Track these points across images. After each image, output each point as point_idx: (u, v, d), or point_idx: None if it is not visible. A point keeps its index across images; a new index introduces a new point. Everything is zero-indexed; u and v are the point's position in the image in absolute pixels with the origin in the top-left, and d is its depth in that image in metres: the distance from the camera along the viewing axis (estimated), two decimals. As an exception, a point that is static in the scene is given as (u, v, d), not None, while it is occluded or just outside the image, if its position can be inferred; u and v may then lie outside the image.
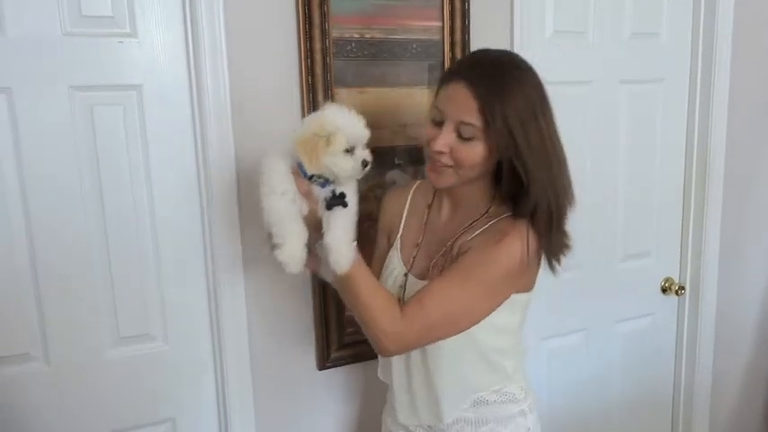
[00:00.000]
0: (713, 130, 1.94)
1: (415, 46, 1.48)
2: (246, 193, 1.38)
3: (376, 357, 1.54)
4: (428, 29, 1.49)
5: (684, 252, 2.05)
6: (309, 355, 1.52)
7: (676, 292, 2.03)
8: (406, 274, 1.18)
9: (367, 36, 1.43)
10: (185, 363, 1.43)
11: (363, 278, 1.04)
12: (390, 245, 1.26)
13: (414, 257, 1.19)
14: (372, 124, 1.45)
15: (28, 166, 1.24)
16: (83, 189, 1.29)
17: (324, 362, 1.51)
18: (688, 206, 2.02)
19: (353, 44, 1.42)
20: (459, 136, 1.05)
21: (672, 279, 2.05)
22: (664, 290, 2.04)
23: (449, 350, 1.12)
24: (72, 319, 1.31)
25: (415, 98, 1.50)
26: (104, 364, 1.35)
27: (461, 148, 1.05)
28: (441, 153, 1.06)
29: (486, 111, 1.01)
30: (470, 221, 1.14)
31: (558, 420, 1.93)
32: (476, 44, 1.52)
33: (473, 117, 1.02)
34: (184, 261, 1.40)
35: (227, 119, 1.34)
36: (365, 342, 1.51)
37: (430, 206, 1.23)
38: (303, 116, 1.40)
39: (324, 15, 1.36)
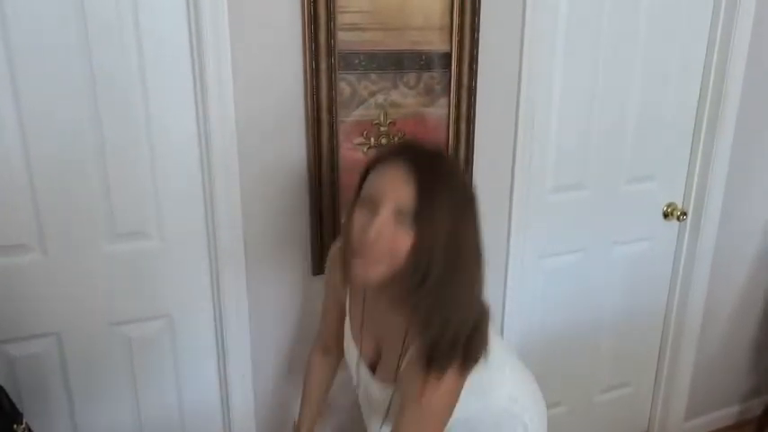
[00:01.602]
0: (733, 51, 1.84)
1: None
2: (241, 89, 1.34)
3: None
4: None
5: (690, 178, 2.01)
6: (304, 261, 1.53)
7: (678, 218, 2.01)
8: (360, 356, 1.17)
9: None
10: (181, 262, 1.44)
11: None
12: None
13: (360, 342, 1.16)
14: (375, 25, 1.41)
15: (17, 52, 1.19)
16: (75, 76, 1.24)
17: (318, 268, 1.52)
18: (698, 132, 1.96)
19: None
20: (398, 222, 0.93)
21: (675, 204, 2.02)
22: (665, 215, 2.03)
23: None
24: (67, 210, 1.31)
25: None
26: (101, 258, 1.36)
27: (396, 236, 0.93)
28: (375, 241, 0.93)
29: (422, 196, 0.92)
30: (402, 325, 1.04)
31: (550, 334, 1.97)
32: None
33: (410, 202, 0.92)
34: (180, 159, 1.38)
35: (224, 14, 1.28)
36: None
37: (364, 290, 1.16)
38: (303, 12, 1.34)
39: None
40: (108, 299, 1.40)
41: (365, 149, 1.48)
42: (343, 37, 1.39)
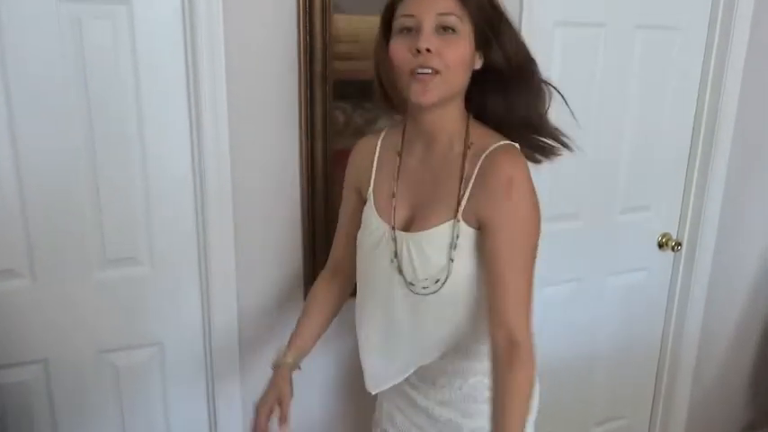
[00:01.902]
0: (726, 86, 1.87)
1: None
2: (236, 117, 1.35)
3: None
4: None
5: (685, 209, 2.02)
6: (297, 287, 1.51)
7: (672, 249, 2.01)
8: (393, 228, 1.08)
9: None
10: (172, 289, 1.43)
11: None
12: (363, 201, 1.17)
13: (393, 209, 1.09)
14: (370, 55, 1.42)
15: (13, 80, 1.20)
16: (70, 104, 1.25)
17: (310, 282, 1.50)
18: (693, 163, 1.97)
19: (355, -32, 1.36)
20: (440, 32, 0.98)
21: (669, 235, 2.02)
22: (660, 245, 2.02)
23: (453, 306, 1.07)
24: (58, 237, 1.30)
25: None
26: (91, 284, 1.35)
27: (446, 45, 0.97)
28: (428, 53, 0.96)
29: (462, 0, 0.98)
30: (450, 163, 1.05)
31: (545, 365, 1.93)
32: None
33: (452, 6, 0.97)
34: (173, 186, 1.37)
35: (219, 39, 1.29)
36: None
37: (400, 153, 1.13)
38: (299, 42, 1.35)
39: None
40: (97, 326, 1.38)
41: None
42: (338, 66, 1.40)
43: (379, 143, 1.17)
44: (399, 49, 1.00)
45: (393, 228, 1.08)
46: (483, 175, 1.01)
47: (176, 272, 1.42)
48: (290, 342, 1.19)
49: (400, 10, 1.01)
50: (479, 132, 1.06)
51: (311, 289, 1.28)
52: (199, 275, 1.44)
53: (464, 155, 1.04)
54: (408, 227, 1.08)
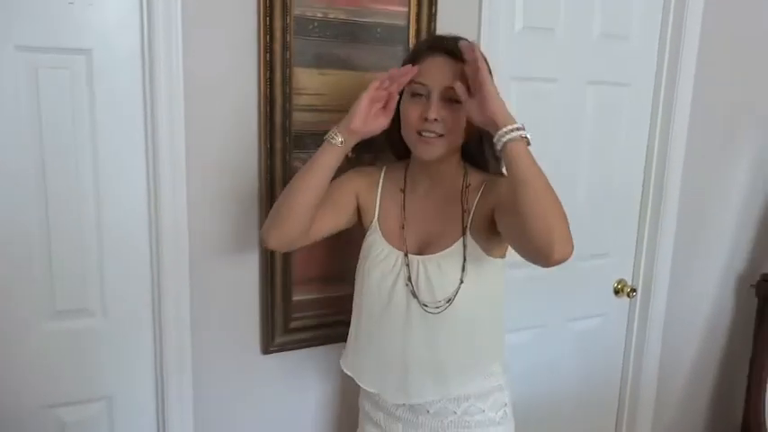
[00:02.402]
0: (673, 140, 1.96)
1: (379, 30, 1.46)
2: (195, 167, 1.34)
3: (323, 344, 1.54)
4: (394, 14, 1.46)
5: (638, 255, 2.07)
6: (253, 339, 1.49)
7: (628, 294, 2.06)
8: (406, 255, 1.21)
9: (330, 16, 1.40)
10: (124, 341, 1.39)
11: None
12: (365, 221, 1.30)
13: (404, 239, 1.23)
14: (331, 107, 1.45)
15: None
16: (24, 154, 1.23)
17: (268, 346, 1.48)
18: (645, 212, 2.04)
19: (316, 24, 1.39)
20: (446, 100, 1.14)
21: (624, 281, 2.07)
22: (616, 291, 2.07)
23: (463, 323, 1.19)
24: (5, 287, 1.26)
25: (376, 83, 1.48)
26: (39, 337, 1.31)
27: (450, 114, 1.14)
28: (435, 122, 1.13)
29: (463, 75, 1.11)
30: (453, 198, 1.22)
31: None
32: (442, 32, 1.49)
33: (457, 82, 1.11)
34: (127, 236, 1.35)
35: (179, 91, 1.29)
36: (311, 328, 1.52)
37: (403, 190, 1.27)
38: (259, 93, 1.37)
39: (286, -8, 1.33)
40: (43, 379, 1.33)
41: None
42: (298, 117, 1.41)
43: (381, 177, 1.31)
44: (411, 111, 1.17)
45: (406, 254, 1.21)
46: (485, 194, 1.20)
47: (129, 323, 1.39)
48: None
49: (415, 76, 1.16)
50: (474, 173, 1.25)
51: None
52: (152, 327, 1.40)
53: (465, 189, 1.22)
54: (422, 252, 1.21)
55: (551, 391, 2.03)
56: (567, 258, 1.00)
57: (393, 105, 1.19)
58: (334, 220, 1.28)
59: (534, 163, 1.03)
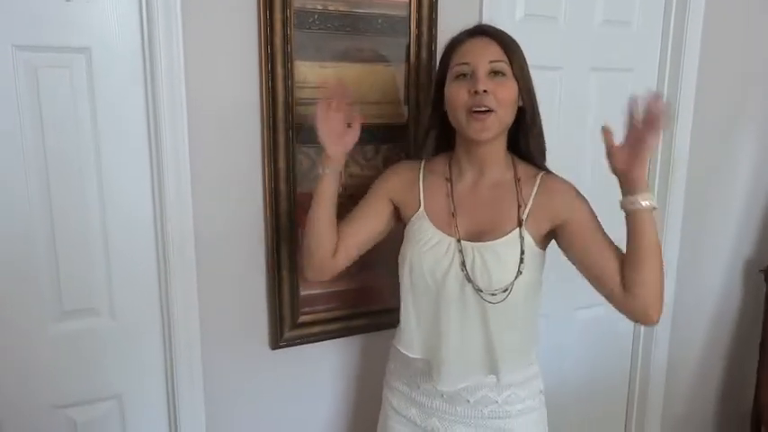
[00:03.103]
0: (678, 125, 1.94)
1: (380, 21, 1.44)
2: (199, 164, 1.34)
3: (332, 338, 1.54)
4: (395, 4, 1.45)
5: (646, 242, 2.06)
6: (262, 335, 1.49)
7: (637, 282, 2.04)
8: (459, 240, 1.20)
9: (330, 8, 1.39)
10: (132, 339, 1.39)
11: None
12: (406, 216, 1.28)
13: (455, 226, 1.22)
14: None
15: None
16: (26, 153, 1.22)
17: (277, 341, 1.48)
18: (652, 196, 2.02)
19: (316, 16, 1.37)
20: (492, 76, 1.15)
21: (632, 268, 2.06)
22: (624, 278, 2.05)
23: (515, 311, 1.20)
24: (12, 290, 1.26)
25: (378, 75, 1.46)
26: (48, 337, 1.30)
27: (499, 86, 1.15)
28: (485, 93, 1.13)
29: (507, 51, 1.17)
30: (504, 187, 1.23)
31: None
32: (444, 22, 1.49)
33: (501, 56, 1.16)
34: (133, 235, 1.35)
35: (181, 87, 1.29)
36: (320, 323, 1.51)
37: (449, 179, 1.26)
38: (261, 87, 1.36)
39: (286, -16, 1.32)
40: (53, 380, 1.33)
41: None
42: (301, 111, 1.41)
43: (421, 170, 1.30)
44: (458, 91, 1.17)
45: (459, 240, 1.19)
46: (545, 193, 1.22)
47: (137, 322, 1.38)
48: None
49: (456, 59, 1.19)
50: (520, 164, 1.26)
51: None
52: (161, 325, 1.40)
53: (517, 179, 1.24)
54: (475, 239, 1.20)
55: (561, 381, 2.02)
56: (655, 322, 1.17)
57: (357, 117, 1.24)
58: (367, 232, 1.30)
59: (656, 234, 1.13)
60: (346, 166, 1.48)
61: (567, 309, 1.97)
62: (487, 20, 1.56)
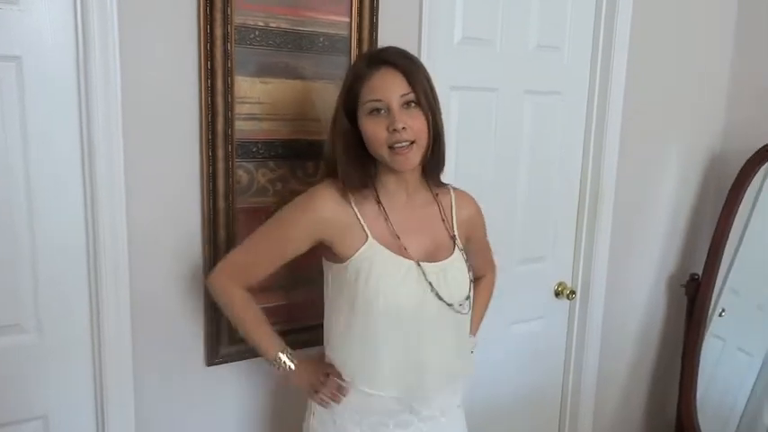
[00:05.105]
0: (606, 146, 2.04)
1: (321, 40, 1.47)
2: (134, 175, 1.32)
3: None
4: (336, 23, 1.48)
5: (577, 258, 2.15)
6: (197, 351, 1.46)
7: (568, 297, 2.13)
8: (418, 264, 1.23)
9: (272, 25, 1.40)
10: (60, 358, 1.34)
11: None
12: (344, 249, 1.22)
13: (404, 248, 1.24)
14: (273, 116, 1.45)
15: None
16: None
17: (213, 358, 1.46)
18: (582, 216, 2.12)
19: (257, 32, 1.39)
20: (405, 108, 1.18)
21: (564, 284, 2.14)
22: (557, 294, 2.14)
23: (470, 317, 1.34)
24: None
25: (318, 92, 1.48)
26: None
27: (413, 118, 1.18)
28: (404, 130, 1.16)
29: (412, 82, 1.18)
30: (428, 203, 1.32)
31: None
32: (383, 42, 1.52)
33: (408, 87, 1.18)
34: (63, 249, 1.31)
35: (117, 99, 1.27)
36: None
37: (379, 202, 1.26)
38: (200, 102, 1.35)
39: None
40: (-28, 401, 1.27)
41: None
42: (241, 126, 1.41)
43: (352, 201, 1.25)
44: (375, 129, 1.18)
45: (418, 263, 1.23)
46: (461, 208, 1.37)
47: (65, 339, 1.34)
48: (272, 345, 1.30)
49: (366, 95, 1.19)
50: (426, 179, 1.32)
51: (238, 297, 1.29)
52: (91, 342, 1.36)
53: (435, 195, 1.34)
54: (428, 259, 1.25)
55: (494, 394, 2.07)
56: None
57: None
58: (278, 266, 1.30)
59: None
60: (285, 182, 1.49)
61: (502, 323, 2.03)
62: (426, 43, 1.62)
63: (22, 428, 1.33)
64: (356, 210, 1.24)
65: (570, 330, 2.20)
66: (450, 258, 1.28)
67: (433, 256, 1.27)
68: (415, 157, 1.20)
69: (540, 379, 2.18)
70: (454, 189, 1.39)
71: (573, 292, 2.13)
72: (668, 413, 2.46)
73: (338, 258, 1.24)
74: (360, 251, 1.22)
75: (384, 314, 1.21)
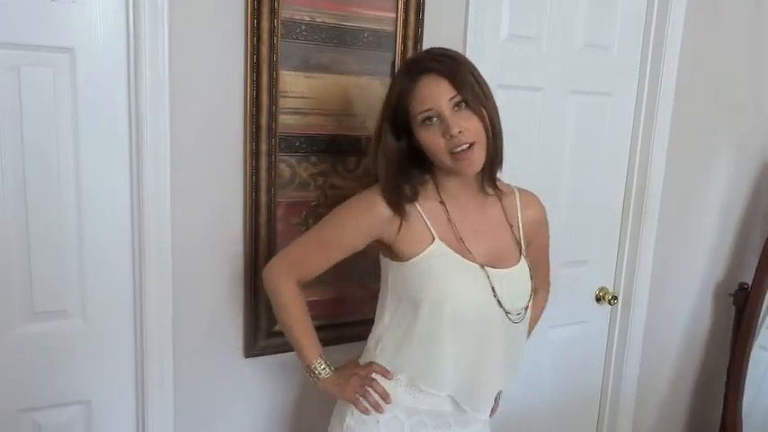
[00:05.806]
0: (654, 149, 1.99)
1: (366, 35, 1.46)
2: (180, 169, 1.34)
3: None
4: (381, 19, 1.47)
5: (620, 263, 2.10)
6: (236, 342, 1.48)
7: (609, 302, 2.08)
8: (482, 266, 1.22)
9: (318, 20, 1.40)
10: (103, 344, 1.37)
11: None
12: (408, 250, 1.21)
13: (469, 251, 1.23)
14: (316, 111, 1.45)
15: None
16: (4, 153, 1.21)
17: (251, 349, 1.47)
18: (626, 219, 2.07)
19: (303, 27, 1.39)
20: (456, 111, 1.15)
21: (606, 289, 2.09)
22: (598, 299, 2.09)
23: (525, 326, 1.32)
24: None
25: (363, 88, 1.48)
26: (15, 339, 1.28)
27: (467, 119, 1.15)
28: (460, 133, 1.13)
29: (457, 85, 1.14)
30: (493, 205, 1.29)
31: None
32: (429, 39, 1.51)
33: (454, 91, 1.14)
34: (109, 238, 1.33)
35: (165, 92, 1.28)
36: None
37: (442, 202, 1.25)
38: (245, 95, 1.36)
39: (274, -6, 1.33)
40: (19, 382, 1.30)
41: (303, 230, 1.47)
42: (284, 120, 1.41)
43: (419, 205, 1.24)
44: (434, 139, 1.16)
45: (482, 266, 1.22)
46: (527, 209, 1.33)
47: (109, 325, 1.37)
48: (311, 354, 1.27)
49: (415, 107, 1.16)
50: (499, 187, 1.30)
51: (289, 290, 1.26)
52: (134, 329, 1.38)
53: (501, 200, 1.31)
54: (492, 264, 1.23)
55: (532, 399, 2.04)
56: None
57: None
58: (334, 263, 1.29)
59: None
60: (327, 176, 1.49)
61: (541, 327, 1.98)
62: (471, 40, 1.59)
63: (64, 412, 1.36)
64: (421, 210, 1.23)
65: (611, 337, 2.15)
66: (515, 267, 1.26)
67: (497, 260, 1.25)
68: (478, 157, 1.16)
69: (576, 387, 2.14)
70: (519, 189, 1.35)
71: (615, 298, 2.08)
72: (711, 427, 2.37)
73: (397, 257, 1.23)
74: (426, 251, 1.21)
75: (451, 315, 1.20)
